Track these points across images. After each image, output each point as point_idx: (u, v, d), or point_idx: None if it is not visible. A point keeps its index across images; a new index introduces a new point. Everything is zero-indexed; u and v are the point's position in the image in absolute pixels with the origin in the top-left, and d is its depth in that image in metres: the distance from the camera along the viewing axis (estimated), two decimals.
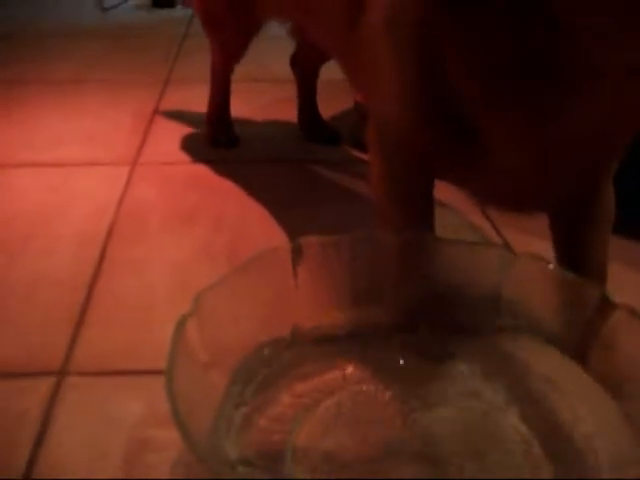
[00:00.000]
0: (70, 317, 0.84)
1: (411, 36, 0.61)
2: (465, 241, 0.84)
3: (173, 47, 2.10)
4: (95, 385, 0.74)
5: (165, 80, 1.78)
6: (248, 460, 0.58)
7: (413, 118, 0.65)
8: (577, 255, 0.73)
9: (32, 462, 0.64)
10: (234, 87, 1.40)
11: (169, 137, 1.41)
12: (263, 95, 1.66)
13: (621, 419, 0.59)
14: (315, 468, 0.59)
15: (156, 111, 1.56)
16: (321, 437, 0.62)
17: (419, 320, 0.73)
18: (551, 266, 0.70)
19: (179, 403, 0.52)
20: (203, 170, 1.26)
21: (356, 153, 1.34)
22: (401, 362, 0.71)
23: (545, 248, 0.75)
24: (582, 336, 0.65)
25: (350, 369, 0.70)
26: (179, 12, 2.62)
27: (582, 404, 0.63)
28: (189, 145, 1.38)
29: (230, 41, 1.29)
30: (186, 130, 1.45)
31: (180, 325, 0.60)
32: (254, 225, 1.07)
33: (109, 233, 1.04)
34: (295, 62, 1.41)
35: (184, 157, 1.32)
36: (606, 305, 0.63)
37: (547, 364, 0.68)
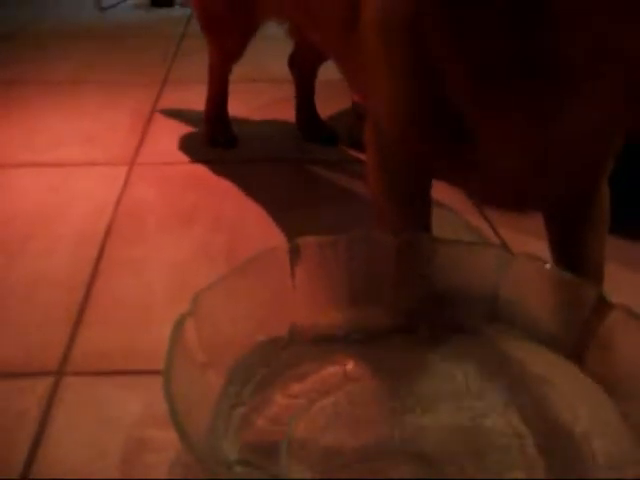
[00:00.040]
0: (68, 317, 0.84)
1: (404, 35, 0.61)
2: (462, 241, 0.84)
3: (171, 47, 2.10)
4: (93, 385, 0.74)
5: (163, 80, 1.78)
6: (246, 460, 0.58)
7: (407, 119, 0.65)
8: (573, 255, 0.73)
9: (30, 462, 0.64)
10: (232, 87, 1.40)
11: (167, 137, 1.41)
12: (261, 95, 1.66)
13: (618, 419, 0.59)
14: (312, 467, 0.59)
15: (154, 111, 1.56)
16: (319, 436, 0.62)
17: (418, 320, 0.73)
18: (548, 266, 0.70)
19: (177, 403, 0.52)
20: (201, 170, 1.27)
21: (354, 153, 1.34)
22: (399, 362, 0.71)
23: (542, 248, 0.75)
24: (579, 336, 0.66)
25: (348, 369, 0.70)
26: (177, 11, 2.62)
27: (580, 404, 0.63)
28: (187, 145, 1.38)
29: (228, 41, 1.29)
30: (184, 130, 1.45)
31: (178, 325, 0.60)
32: (252, 225, 1.07)
33: (107, 233, 1.04)
34: (293, 62, 1.41)
35: (182, 157, 1.32)
36: (603, 305, 0.64)
37: (544, 364, 0.68)
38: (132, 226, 1.06)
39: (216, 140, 1.38)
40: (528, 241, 0.91)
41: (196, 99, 1.46)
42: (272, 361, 0.69)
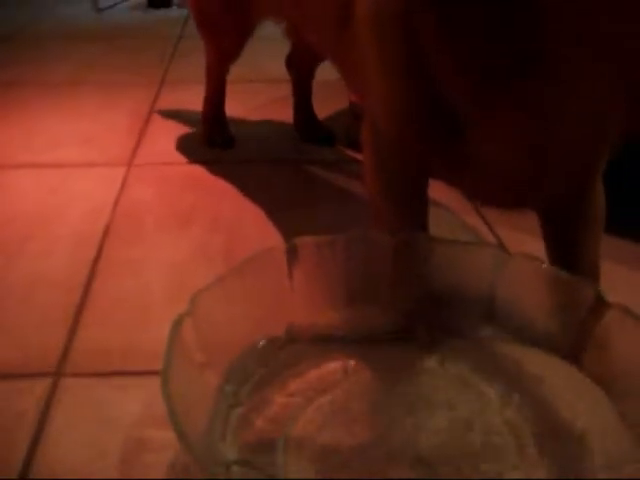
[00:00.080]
0: (67, 317, 0.84)
1: (395, 31, 0.61)
2: (459, 241, 0.84)
3: (169, 48, 2.10)
4: (92, 385, 0.74)
5: (161, 81, 1.78)
6: (244, 460, 0.58)
7: (402, 117, 0.65)
8: (569, 254, 0.73)
9: (29, 462, 0.64)
10: (229, 87, 1.40)
11: (165, 138, 1.41)
12: (258, 95, 1.66)
13: (616, 418, 0.59)
14: (309, 466, 0.59)
15: (152, 112, 1.56)
16: (316, 435, 0.62)
17: (415, 320, 0.73)
18: (545, 266, 0.71)
19: (175, 404, 0.52)
20: (199, 170, 1.27)
21: (351, 153, 1.34)
22: (397, 361, 0.71)
23: (539, 247, 0.75)
24: (576, 335, 0.66)
25: (346, 368, 0.70)
26: (175, 12, 2.62)
27: (577, 403, 0.63)
28: (185, 145, 1.38)
29: (225, 41, 1.29)
30: (182, 130, 1.45)
31: (176, 325, 0.60)
32: (250, 225, 1.07)
33: (106, 233, 1.04)
34: (291, 62, 1.41)
35: (180, 158, 1.33)
36: (600, 304, 0.64)
37: (541, 363, 0.68)
38: (130, 227, 1.06)
39: (214, 140, 1.38)
40: (525, 240, 0.91)
41: (194, 100, 1.46)
42: (270, 361, 0.69)
